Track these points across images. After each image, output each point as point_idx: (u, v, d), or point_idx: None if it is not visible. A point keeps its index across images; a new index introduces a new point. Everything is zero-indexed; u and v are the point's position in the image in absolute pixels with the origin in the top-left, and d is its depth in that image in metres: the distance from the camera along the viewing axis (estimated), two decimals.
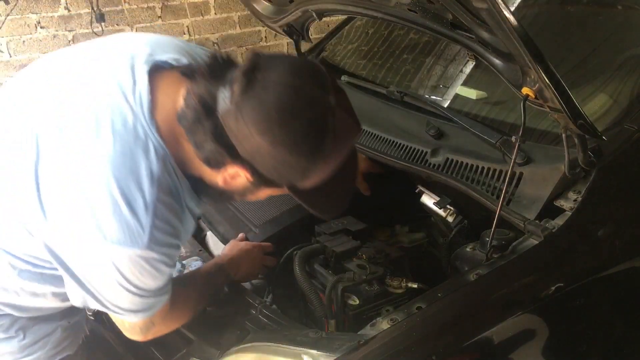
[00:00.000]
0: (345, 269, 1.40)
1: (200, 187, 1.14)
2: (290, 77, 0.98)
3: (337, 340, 1.12)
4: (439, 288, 1.20)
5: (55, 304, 1.22)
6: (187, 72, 1.06)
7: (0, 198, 1.08)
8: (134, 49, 1.12)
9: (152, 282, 1.08)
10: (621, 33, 1.74)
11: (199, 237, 1.73)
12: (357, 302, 1.33)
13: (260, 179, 1.05)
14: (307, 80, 1.00)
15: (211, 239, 1.72)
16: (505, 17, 0.98)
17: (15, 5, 3.33)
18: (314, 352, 1.09)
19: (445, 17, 1.25)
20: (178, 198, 1.07)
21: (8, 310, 1.19)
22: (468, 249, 1.33)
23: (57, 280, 1.11)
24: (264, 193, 1.15)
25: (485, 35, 1.18)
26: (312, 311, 1.35)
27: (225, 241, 1.62)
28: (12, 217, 1.07)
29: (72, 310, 1.27)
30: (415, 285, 1.35)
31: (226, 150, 1.01)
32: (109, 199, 0.99)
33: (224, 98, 0.98)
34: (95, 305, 1.12)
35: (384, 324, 1.12)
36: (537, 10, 1.95)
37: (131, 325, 1.18)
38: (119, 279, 1.04)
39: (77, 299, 1.12)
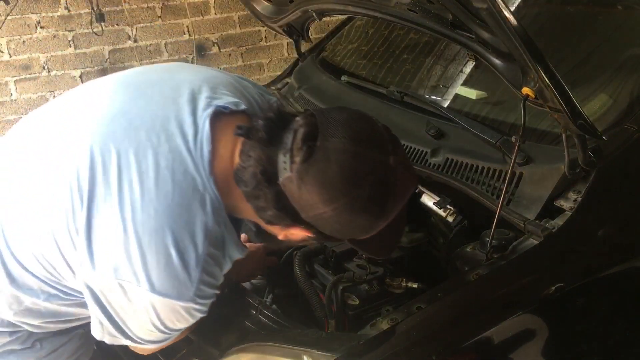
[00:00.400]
0: (345, 269, 1.40)
1: (257, 230, 1.16)
2: (350, 144, 0.97)
3: (337, 340, 1.12)
4: (439, 288, 1.19)
5: (75, 323, 1.23)
6: (244, 134, 1.03)
7: (42, 224, 1.05)
8: (194, 86, 1.10)
9: (184, 325, 1.10)
10: (621, 33, 1.74)
11: None
12: (357, 302, 1.33)
13: (322, 235, 1.06)
14: (367, 144, 0.99)
15: None
16: (505, 17, 0.98)
17: (15, 5, 3.33)
18: (314, 352, 1.10)
19: (445, 17, 1.25)
20: (223, 249, 1.07)
21: (26, 327, 1.18)
22: (468, 249, 1.33)
23: (84, 305, 1.12)
24: (322, 240, 1.17)
25: (485, 35, 1.18)
26: (312, 311, 1.35)
27: None
28: (54, 251, 1.05)
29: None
30: (415, 285, 1.35)
31: (288, 215, 1.01)
32: (163, 251, 0.99)
33: (285, 165, 0.97)
34: (116, 340, 1.12)
35: (384, 324, 1.12)
36: (537, 10, 1.95)
37: (143, 347, 1.18)
38: (155, 322, 1.06)
39: (98, 332, 1.11)
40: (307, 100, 2.03)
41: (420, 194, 1.59)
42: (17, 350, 1.21)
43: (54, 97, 3.58)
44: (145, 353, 1.22)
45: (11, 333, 1.18)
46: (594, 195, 1.26)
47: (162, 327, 1.07)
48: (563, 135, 1.20)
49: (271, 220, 1.05)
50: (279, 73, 2.42)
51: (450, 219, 1.50)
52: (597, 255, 1.27)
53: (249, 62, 4.15)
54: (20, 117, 3.73)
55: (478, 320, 1.14)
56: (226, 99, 1.10)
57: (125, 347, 1.23)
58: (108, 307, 1.06)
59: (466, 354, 1.13)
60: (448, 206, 1.50)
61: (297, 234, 1.07)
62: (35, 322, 1.17)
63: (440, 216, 1.52)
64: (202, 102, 1.07)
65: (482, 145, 1.45)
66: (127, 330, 1.09)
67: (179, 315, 1.05)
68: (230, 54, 4.07)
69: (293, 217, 1.01)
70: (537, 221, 1.26)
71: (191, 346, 1.36)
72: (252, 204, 1.03)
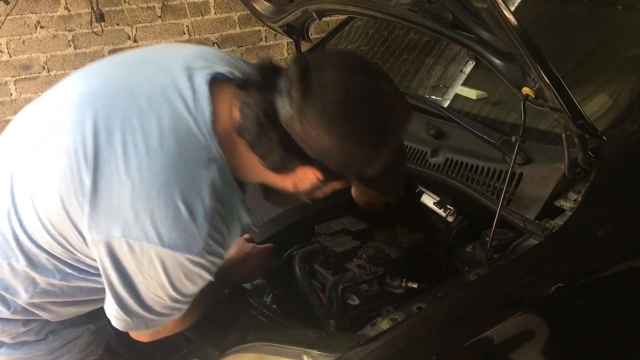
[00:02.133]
0: (345, 269, 1.40)
1: (264, 192, 1.19)
2: (344, 73, 1.02)
3: (337, 340, 1.13)
4: (439, 288, 1.20)
5: (89, 306, 1.25)
6: (242, 84, 1.08)
7: (50, 193, 1.06)
8: (188, 58, 1.15)
9: (190, 287, 1.10)
10: (621, 33, 1.74)
11: None
12: (357, 302, 1.33)
13: (330, 175, 1.08)
14: (358, 72, 1.04)
15: None
16: (505, 17, 0.98)
17: (15, 5, 3.33)
18: (314, 352, 1.10)
19: (445, 17, 1.25)
20: (230, 209, 1.09)
21: (40, 314, 1.19)
22: (468, 249, 1.33)
23: (100, 282, 1.13)
24: (330, 188, 1.17)
25: (485, 35, 1.18)
26: (312, 311, 1.35)
27: None
28: (63, 218, 1.06)
29: (99, 314, 1.27)
30: (415, 285, 1.35)
31: (295, 155, 1.04)
32: (171, 205, 1.01)
33: (284, 106, 1.01)
34: (128, 317, 1.12)
35: (384, 324, 1.12)
36: (537, 10, 1.95)
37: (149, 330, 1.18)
38: (164, 283, 1.06)
39: (111, 306, 1.12)
40: None
41: (420, 194, 1.59)
42: (30, 342, 1.22)
43: None
44: (141, 337, 1.21)
45: (25, 323, 1.20)
46: (594, 195, 1.26)
47: (171, 290, 1.07)
48: (563, 135, 1.20)
49: (278, 165, 1.07)
50: None
51: (450, 219, 1.50)
52: (597, 255, 1.27)
53: None
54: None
55: (478, 320, 1.14)
56: (221, 68, 1.13)
57: (133, 347, 1.23)
58: (118, 272, 1.06)
59: (466, 354, 1.13)
60: (448, 206, 1.50)
61: (306, 178, 1.09)
62: (50, 305, 1.18)
63: (440, 216, 1.52)
64: (197, 70, 1.11)
65: (482, 145, 1.45)
66: (138, 297, 1.09)
67: (187, 271, 1.06)
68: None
69: (300, 156, 1.04)
70: (537, 221, 1.26)
71: (191, 346, 1.37)
72: (258, 151, 1.06)
